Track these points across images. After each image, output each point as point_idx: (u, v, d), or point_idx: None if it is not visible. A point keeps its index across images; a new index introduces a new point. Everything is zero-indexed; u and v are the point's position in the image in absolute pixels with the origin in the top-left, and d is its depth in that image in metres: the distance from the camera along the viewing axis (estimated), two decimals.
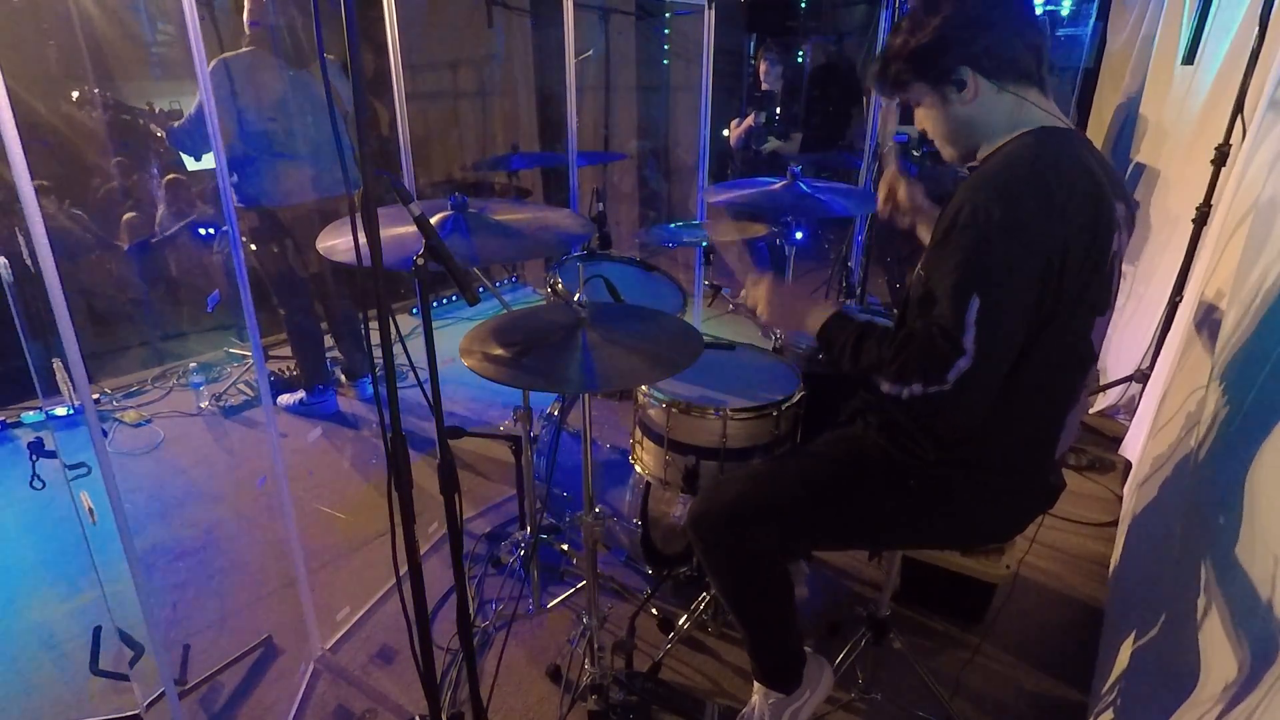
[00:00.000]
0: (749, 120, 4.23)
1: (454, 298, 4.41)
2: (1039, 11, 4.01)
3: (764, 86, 4.28)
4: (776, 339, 1.99)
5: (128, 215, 3.61)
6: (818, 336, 1.30)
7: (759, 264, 4.59)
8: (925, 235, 1.52)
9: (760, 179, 2.24)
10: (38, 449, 2.43)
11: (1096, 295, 1.17)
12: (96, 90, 2.76)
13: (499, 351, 1.30)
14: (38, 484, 2.40)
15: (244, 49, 2.65)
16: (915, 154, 4.30)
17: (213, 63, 2.57)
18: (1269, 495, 1.03)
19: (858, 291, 3.52)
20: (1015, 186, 1.10)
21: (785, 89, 4.35)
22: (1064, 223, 1.08)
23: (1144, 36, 3.13)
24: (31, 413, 3.06)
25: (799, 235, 2.63)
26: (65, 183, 3.45)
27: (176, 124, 2.67)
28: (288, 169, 2.76)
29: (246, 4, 2.64)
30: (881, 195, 1.58)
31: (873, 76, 1.28)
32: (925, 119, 1.27)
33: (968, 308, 1.08)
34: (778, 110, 4.28)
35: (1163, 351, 2.46)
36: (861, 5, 5.46)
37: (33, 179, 1.08)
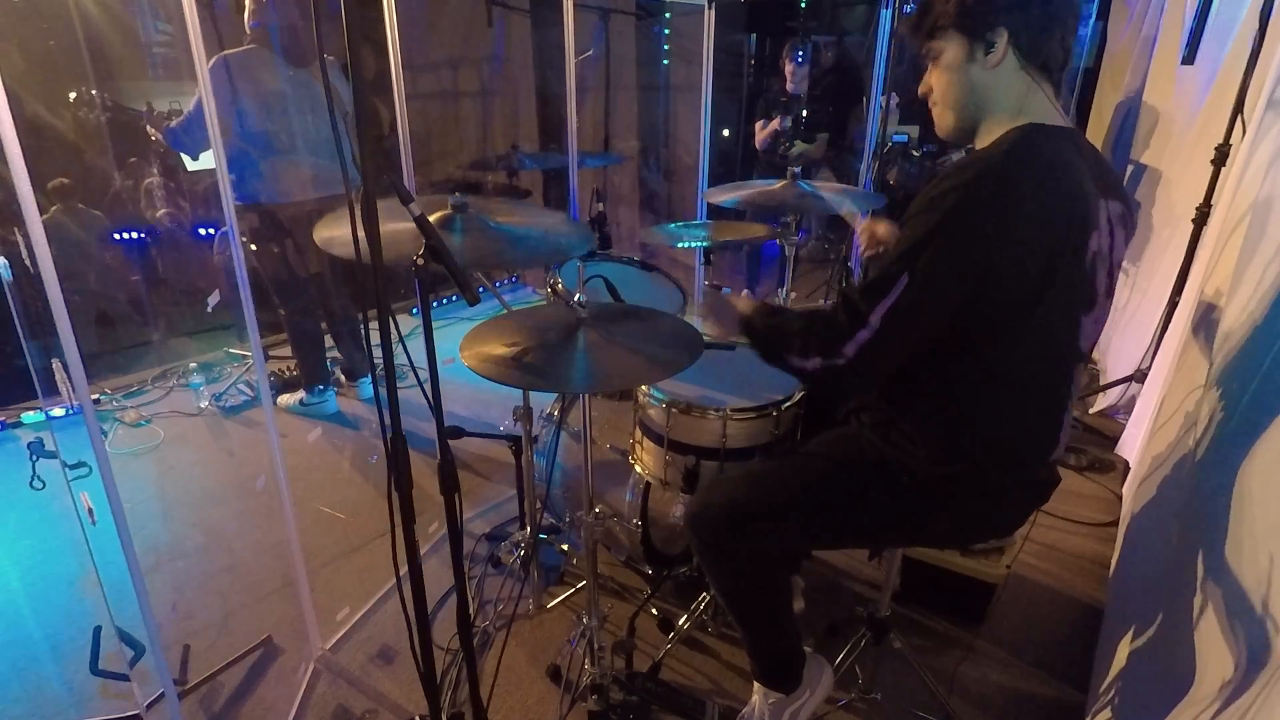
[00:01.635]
0: (774, 123, 4.20)
1: (454, 298, 4.41)
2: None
3: (790, 88, 4.21)
4: None
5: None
6: (742, 327, 1.33)
7: (765, 265, 4.59)
8: None
9: (758, 179, 2.24)
10: (38, 449, 2.43)
11: (1075, 292, 1.17)
12: (93, 92, 2.76)
13: (499, 351, 1.30)
14: (38, 484, 2.40)
15: (245, 47, 2.65)
16: (915, 154, 4.30)
17: (213, 60, 2.56)
18: (1265, 494, 1.03)
19: None
20: (979, 177, 1.10)
21: (809, 90, 4.31)
22: (1023, 218, 1.07)
23: (1144, 36, 3.13)
24: (31, 413, 3.06)
25: (799, 235, 2.63)
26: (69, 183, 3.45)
27: (173, 123, 2.66)
28: (287, 167, 2.75)
29: (248, 4, 2.64)
30: (863, 242, 1.67)
31: (911, 21, 1.26)
32: (939, 78, 1.24)
33: (895, 284, 1.10)
34: (804, 113, 4.24)
35: (1161, 351, 2.46)
36: (861, 5, 5.46)
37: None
